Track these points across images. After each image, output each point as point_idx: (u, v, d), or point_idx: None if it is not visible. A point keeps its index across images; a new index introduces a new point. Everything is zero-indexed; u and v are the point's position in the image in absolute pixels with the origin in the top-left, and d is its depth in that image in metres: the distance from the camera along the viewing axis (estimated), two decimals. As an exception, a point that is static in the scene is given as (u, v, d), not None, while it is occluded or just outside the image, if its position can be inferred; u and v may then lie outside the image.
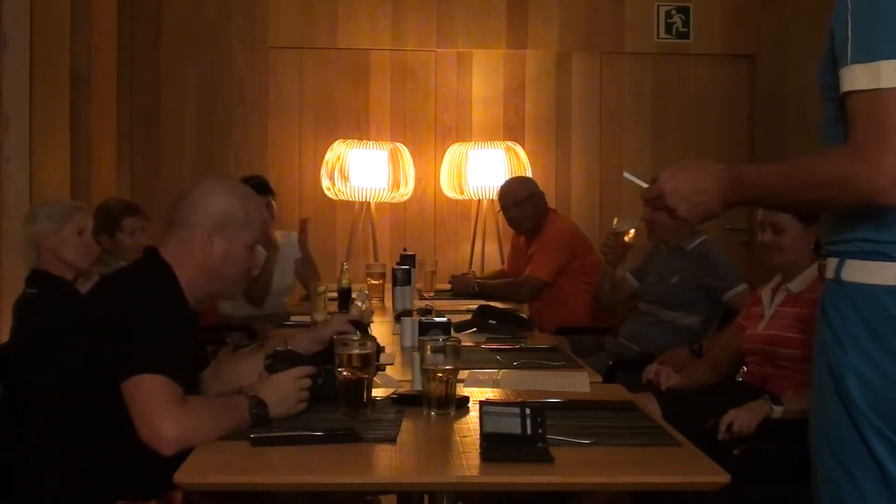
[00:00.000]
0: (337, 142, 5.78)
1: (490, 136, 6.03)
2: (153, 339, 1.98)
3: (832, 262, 1.71)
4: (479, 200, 5.89)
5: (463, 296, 4.64)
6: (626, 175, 1.98)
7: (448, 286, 5.06)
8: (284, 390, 2.04)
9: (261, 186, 4.90)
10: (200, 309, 2.38)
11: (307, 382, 2.08)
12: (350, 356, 2.02)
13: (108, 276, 2.22)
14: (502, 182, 5.11)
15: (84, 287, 3.10)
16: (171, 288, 2.11)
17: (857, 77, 1.56)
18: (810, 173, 1.64)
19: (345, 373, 2.02)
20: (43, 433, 2.05)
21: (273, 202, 4.92)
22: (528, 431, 1.77)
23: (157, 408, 1.90)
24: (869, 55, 1.55)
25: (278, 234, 4.92)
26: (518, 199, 4.78)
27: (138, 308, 2.00)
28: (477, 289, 4.69)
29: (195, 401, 1.99)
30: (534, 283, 4.64)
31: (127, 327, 1.97)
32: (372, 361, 2.05)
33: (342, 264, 4.32)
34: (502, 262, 5.75)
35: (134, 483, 2.03)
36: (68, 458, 2.03)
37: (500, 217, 5.95)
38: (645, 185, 1.85)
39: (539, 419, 1.77)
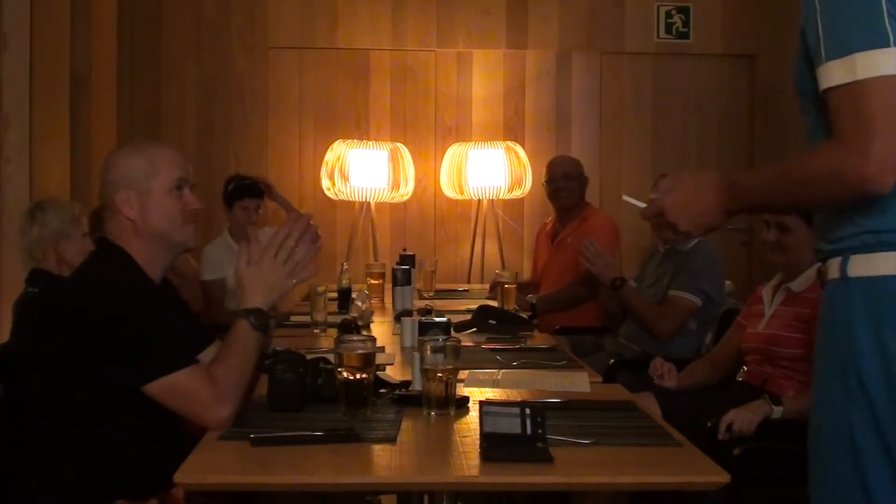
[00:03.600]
0: (337, 142, 5.78)
1: (490, 136, 6.03)
2: (159, 338, 2.00)
3: (834, 263, 1.70)
4: (479, 200, 5.90)
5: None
6: (626, 197, 2.02)
7: (447, 286, 5.07)
8: (264, 278, 2.07)
9: (252, 188, 4.95)
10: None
11: (286, 248, 2.09)
12: (350, 356, 2.02)
13: (79, 275, 2.19)
14: (553, 157, 5.12)
15: None
16: (134, 272, 2.11)
17: (833, 73, 1.58)
18: (802, 171, 1.65)
19: (345, 373, 2.02)
20: (40, 432, 2.05)
21: (260, 207, 4.97)
22: (528, 431, 1.76)
23: (201, 399, 1.96)
24: (843, 50, 1.57)
25: (267, 230, 4.97)
26: (569, 173, 4.81)
27: (125, 312, 2.00)
28: (535, 301, 4.60)
29: (216, 366, 2.02)
30: (594, 276, 4.59)
31: (123, 334, 1.98)
32: (372, 361, 2.05)
33: (342, 264, 4.32)
34: (502, 263, 5.75)
35: (133, 482, 2.04)
36: (66, 457, 2.03)
37: (500, 217, 5.97)
38: (643, 206, 1.87)
39: (539, 419, 1.77)
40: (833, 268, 1.71)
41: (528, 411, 1.78)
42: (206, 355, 2.20)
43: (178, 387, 1.97)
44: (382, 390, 2.22)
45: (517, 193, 5.82)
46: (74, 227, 3.33)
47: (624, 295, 3.96)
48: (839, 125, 1.58)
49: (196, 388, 1.97)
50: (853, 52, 1.55)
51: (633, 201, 1.97)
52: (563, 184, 4.79)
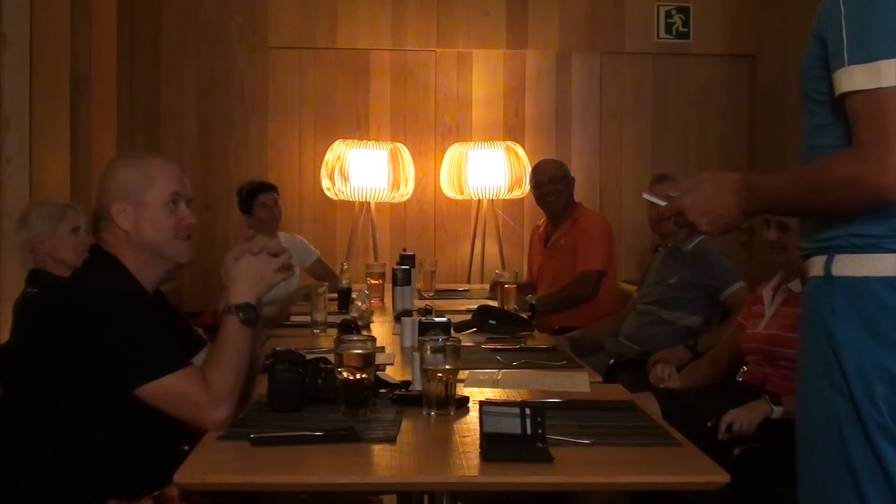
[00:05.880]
0: (337, 142, 5.78)
1: (490, 136, 6.03)
2: (150, 342, 2.00)
3: (818, 260, 1.71)
4: (479, 200, 5.89)
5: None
6: (646, 195, 2.04)
7: (447, 286, 5.08)
8: (252, 271, 2.08)
9: (263, 184, 5.02)
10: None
11: (272, 248, 2.12)
12: (350, 356, 2.02)
13: (75, 278, 2.20)
14: (536, 162, 5.16)
15: None
16: (127, 280, 2.12)
17: (856, 78, 1.57)
18: (820, 178, 1.65)
19: (345, 373, 2.01)
20: (36, 431, 2.05)
21: (277, 201, 4.97)
22: (528, 431, 1.76)
23: (195, 403, 1.95)
24: (867, 56, 1.57)
25: (281, 236, 4.94)
26: (554, 176, 4.84)
27: (115, 315, 2.00)
28: (535, 301, 4.48)
29: (208, 368, 2.01)
30: (591, 276, 4.64)
31: (115, 336, 1.98)
32: (372, 361, 2.05)
33: (342, 264, 4.32)
34: (502, 263, 5.76)
35: (127, 481, 2.03)
36: (61, 456, 2.03)
37: (500, 217, 5.97)
38: (664, 204, 1.89)
39: (539, 419, 1.77)
40: (816, 265, 1.72)
41: (528, 411, 1.78)
42: (198, 359, 2.19)
43: (170, 390, 1.96)
44: (382, 390, 2.22)
45: (517, 193, 5.82)
46: (59, 223, 3.32)
47: (701, 348, 3.58)
48: (858, 131, 1.58)
49: (189, 392, 1.96)
50: (878, 58, 1.56)
51: (653, 199, 1.99)
52: (550, 188, 4.82)
